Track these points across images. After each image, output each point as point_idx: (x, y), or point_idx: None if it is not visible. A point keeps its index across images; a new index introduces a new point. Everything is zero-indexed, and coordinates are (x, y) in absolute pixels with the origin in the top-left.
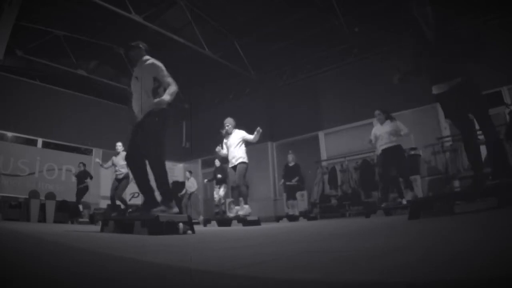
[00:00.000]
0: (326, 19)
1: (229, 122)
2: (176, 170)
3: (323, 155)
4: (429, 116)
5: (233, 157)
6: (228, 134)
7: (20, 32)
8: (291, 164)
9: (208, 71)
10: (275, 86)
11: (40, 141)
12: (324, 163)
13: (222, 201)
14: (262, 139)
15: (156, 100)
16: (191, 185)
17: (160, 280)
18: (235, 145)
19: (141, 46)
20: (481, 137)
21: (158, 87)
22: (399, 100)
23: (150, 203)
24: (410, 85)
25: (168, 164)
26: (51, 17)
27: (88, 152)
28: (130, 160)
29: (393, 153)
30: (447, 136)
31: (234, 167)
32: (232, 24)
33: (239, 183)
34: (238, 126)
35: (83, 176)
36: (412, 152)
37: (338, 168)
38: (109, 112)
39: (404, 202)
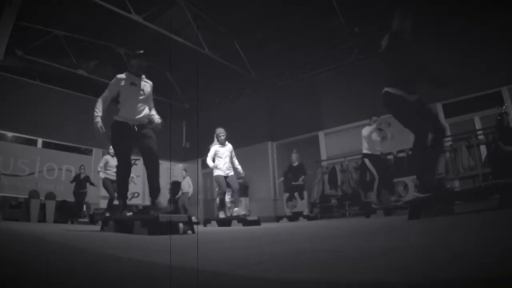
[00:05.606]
0: (326, 19)
1: (224, 132)
2: (176, 170)
3: (323, 155)
4: None
5: (227, 168)
6: (222, 144)
7: (20, 32)
8: (295, 164)
9: (208, 71)
10: (275, 86)
11: (40, 141)
12: (324, 163)
13: (229, 205)
14: (262, 139)
15: (160, 121)
16: (186, 184)
17: (160, 280)
18: (229, 157)
19: (144, 55)
20: (481, 137)
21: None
22: None
23: (124, 206)
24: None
25: (168, 164)
26: (51, 17)
27: (88, 152)
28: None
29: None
30: (447, 136)
31: (226, 176)
32: (232, 24)
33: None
34: (238, 126)
35: (84, 181)
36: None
37: (338, 168)
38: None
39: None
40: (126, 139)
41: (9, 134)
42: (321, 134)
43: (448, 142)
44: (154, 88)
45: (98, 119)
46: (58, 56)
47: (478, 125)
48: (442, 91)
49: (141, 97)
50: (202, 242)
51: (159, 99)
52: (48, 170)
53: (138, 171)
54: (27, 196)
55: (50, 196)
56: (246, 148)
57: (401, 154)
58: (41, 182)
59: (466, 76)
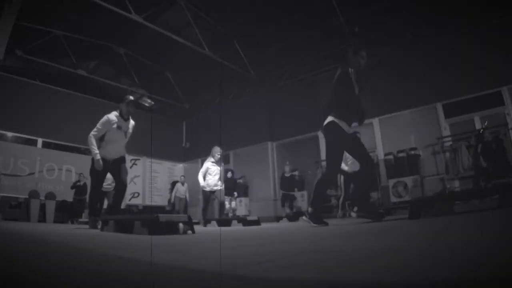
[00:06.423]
0: (326, 19)
1: (220, 152)
2: (176, 170)
3: (323, 155)
4: (429, 116)
5: (215, 185)
6: (216, 163)
7: (20, 32)
8: (287, 175)
9: (208, 71)
10: (275, 86)
11: (40, 141)
12: (324, 163)
13: (235, 210)
14: (262, 139)
15: None
16: (184, 191)
17: (160, 280)
18: (218, 174)
19: (133, 102)
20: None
21: None
22: (399, 101)
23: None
24: (409, 86)
25: (168, 164)
26: (51, 17)
27: (88, 152)
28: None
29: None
30: (447, 136)
31: (213, 192)
32: (232, 24)
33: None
34: (238, 126)
35: (83, 188)
36: (412, 152)
37: None
38: (109, 112)
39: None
40: (101, 172)
41: (9, 134)
42: (321, 134)
43: (448, 142)
44: (155, 88)
45: (98, 157)
46: (58, 56)
47: (478, 125)
48: (441, 91)
49: (123, 140)
50: (202, 242)
51: (159, 99)
52: (48, 170)
53: (138, 171)
54: (27, 196)
55: (50, 196)
56: (246, 148)
57: (401, 154)
58: (41, 182)
59: (466, 76)
